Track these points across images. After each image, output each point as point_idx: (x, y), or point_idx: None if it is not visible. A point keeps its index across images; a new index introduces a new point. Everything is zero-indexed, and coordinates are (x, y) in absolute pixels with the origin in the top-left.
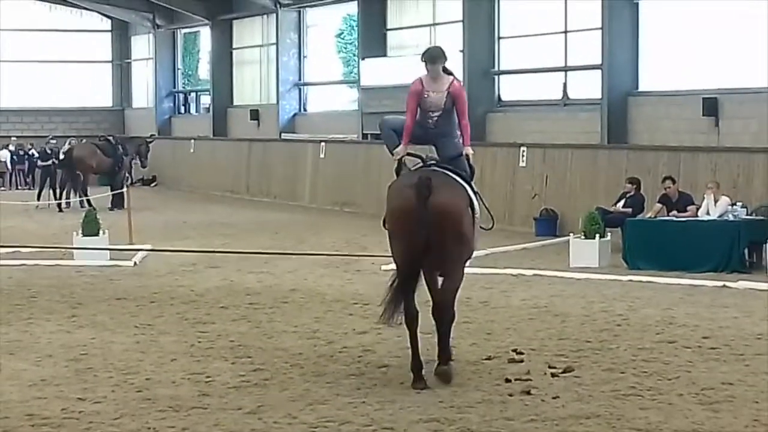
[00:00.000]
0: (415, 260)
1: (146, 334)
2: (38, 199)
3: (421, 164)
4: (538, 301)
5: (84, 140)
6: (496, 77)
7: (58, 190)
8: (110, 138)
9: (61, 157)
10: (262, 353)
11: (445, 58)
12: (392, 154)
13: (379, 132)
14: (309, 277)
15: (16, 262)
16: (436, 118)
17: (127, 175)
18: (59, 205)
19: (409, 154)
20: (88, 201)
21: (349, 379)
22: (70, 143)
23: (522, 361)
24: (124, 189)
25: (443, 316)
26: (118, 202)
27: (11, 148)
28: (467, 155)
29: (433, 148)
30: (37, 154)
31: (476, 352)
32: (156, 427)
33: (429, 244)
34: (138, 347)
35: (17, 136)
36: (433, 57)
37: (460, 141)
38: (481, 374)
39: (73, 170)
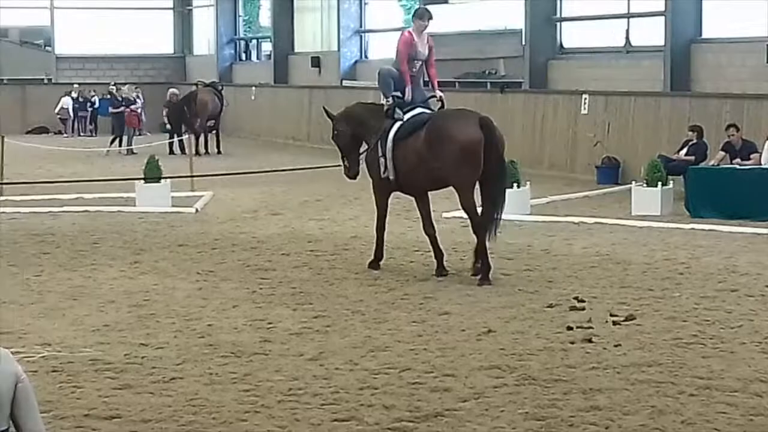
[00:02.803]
0: (477, 180)
1: (208, 280)
2: (111, 144)
3: (412, 106)
4: (599, 249)
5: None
6: (558, 24)
7: (125, 137)
8: (213, 84)
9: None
10: (323, 300)
11: (431, 18)
12: (387, 99)
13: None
14: (370, 224)
15: (79, 209)
16: (419, 66)
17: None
18: (197, 151)
19: (397, 97)
20: (211, 145)
21: (410, 326)
22: (118, 88)
23: (583, 309)
24: (185, 136)
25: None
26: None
27: (73, 95)
28: (441, 98)
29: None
30: (98, 102)
31: (537, 299)
32: (218, 372)
33: (491, 168)
34: (200, 293)
35: (79, 83)
36: (426, 16)
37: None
38: (542, 322)
39: (196, 113)
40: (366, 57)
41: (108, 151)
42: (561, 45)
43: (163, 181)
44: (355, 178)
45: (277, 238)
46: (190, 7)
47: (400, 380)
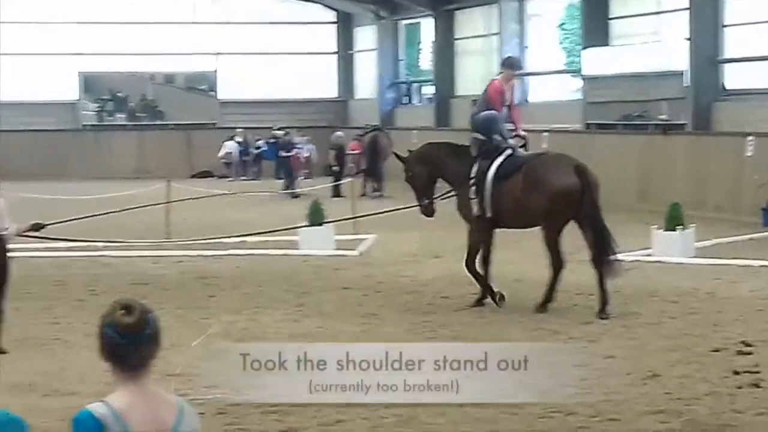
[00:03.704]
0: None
1: (371, 323)
2: (286, 189)
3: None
4: (766, 292)
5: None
6: (721, 65)
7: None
8: (377, 127)
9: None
10: None
11: (520, 68)
12: (494, 141)
13: (479, 123)
14: (530, 266)
15: (243, 252)
16: (504, 110)
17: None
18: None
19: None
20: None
21: (574, 370)
22: (286, 132)
23: (751, 353)
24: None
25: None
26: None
27: (237, 139)
28: (525, 137)
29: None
30: (265, 146)
31: (703, 343)
32: (387, 416)
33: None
34: (363, 336)
35: (243, 128)
36: (516, 65)
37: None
38: (708, 366)
39: (378, 157)
40: (526, 100)
41: (294, 195)
42: (724, 86)
43: (326, 224)
44: (432, 215)
45: (438, 282)
46: (352, 51)
47: (566, 424)
